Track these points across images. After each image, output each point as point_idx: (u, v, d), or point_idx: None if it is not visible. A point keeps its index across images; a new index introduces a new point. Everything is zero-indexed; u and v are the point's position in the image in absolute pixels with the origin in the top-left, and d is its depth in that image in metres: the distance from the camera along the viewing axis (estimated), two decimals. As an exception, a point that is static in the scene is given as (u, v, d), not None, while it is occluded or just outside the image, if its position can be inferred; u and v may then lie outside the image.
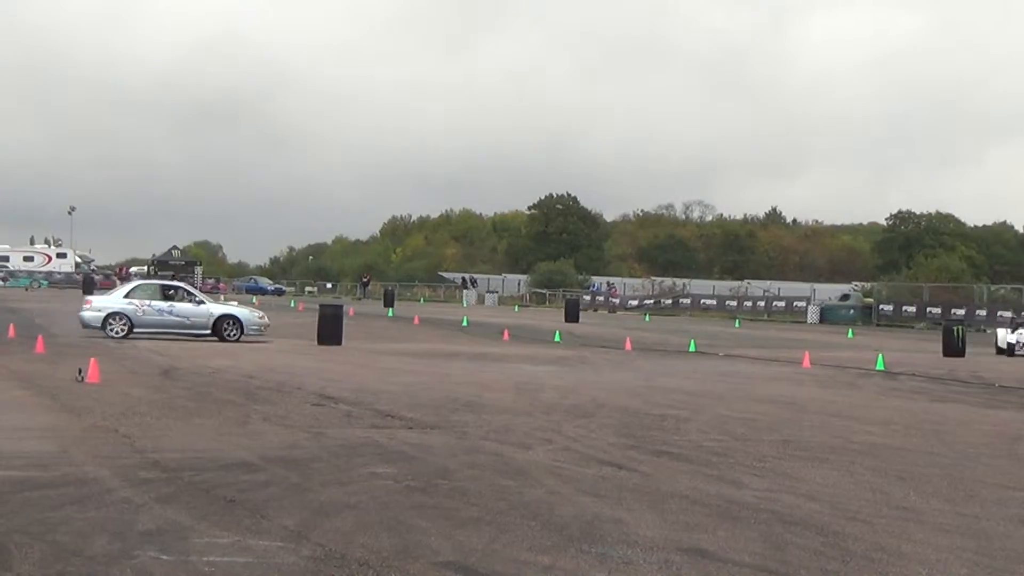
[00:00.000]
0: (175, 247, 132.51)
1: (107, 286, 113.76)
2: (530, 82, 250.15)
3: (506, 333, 49.83)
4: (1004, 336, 47.74)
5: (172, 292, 41.30)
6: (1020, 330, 46.66)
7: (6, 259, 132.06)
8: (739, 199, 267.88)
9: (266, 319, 41.47)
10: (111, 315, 39.50)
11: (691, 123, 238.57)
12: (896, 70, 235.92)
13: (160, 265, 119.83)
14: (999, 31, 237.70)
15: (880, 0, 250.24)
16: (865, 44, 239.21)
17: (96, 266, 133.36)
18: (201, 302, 41.09)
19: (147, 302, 39.89)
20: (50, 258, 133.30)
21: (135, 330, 39.33)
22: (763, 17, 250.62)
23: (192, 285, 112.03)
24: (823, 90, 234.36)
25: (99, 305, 40.60)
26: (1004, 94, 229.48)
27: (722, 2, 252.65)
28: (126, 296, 40.76)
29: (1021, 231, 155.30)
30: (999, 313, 71.25)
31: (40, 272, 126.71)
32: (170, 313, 39.83)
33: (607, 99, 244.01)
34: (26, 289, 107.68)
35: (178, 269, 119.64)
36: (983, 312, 78.75)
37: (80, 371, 23.45)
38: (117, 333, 38.70)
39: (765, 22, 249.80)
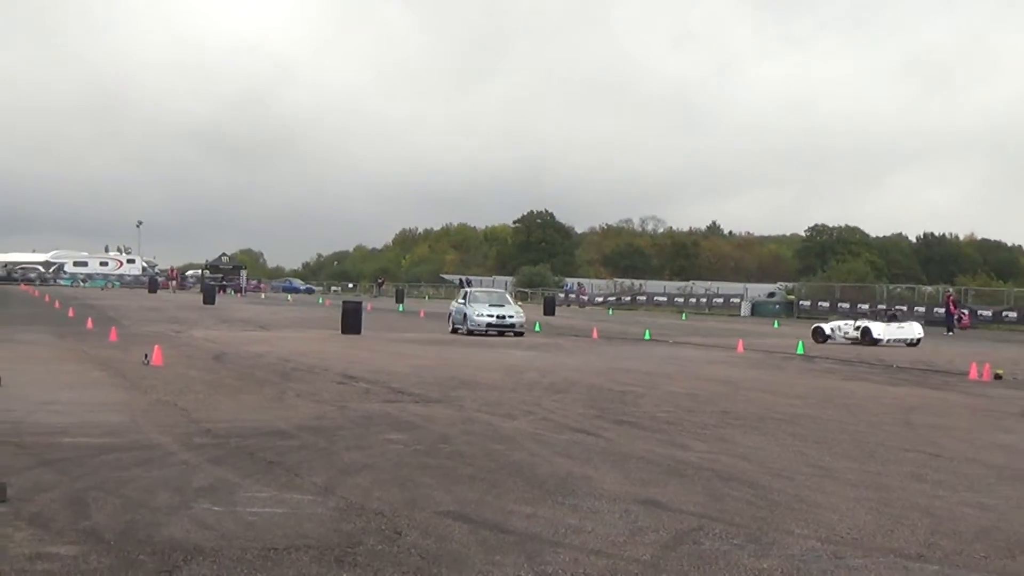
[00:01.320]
0: (224, 254, 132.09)
1: (167, 286, 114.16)
2: (518, 116, 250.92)
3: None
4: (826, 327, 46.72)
5: None
6: (837, 323, 45.96)
7: (85, 264, 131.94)
8: (687, 214, 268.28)
9: None
10: None
11: (648, 151, 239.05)
12: (816, 108, 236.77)
13: (212, 269, 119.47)
14: (901, 79, 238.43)
15: (804, 51, 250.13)
16: (792, 86, 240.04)
17: (159, 270, 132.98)
18: None
19: None
20: (121, 263, 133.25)
21: None
22: (710, 65, 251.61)
23: (238, 286, 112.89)
24: (757, 123, 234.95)
25: None
26: (900, 130, 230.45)
27: (676, 53, 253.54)
28: None
29: (914, 241, 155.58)
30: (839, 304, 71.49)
31: (113, 275, 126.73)
32: None
33: (580, 131, 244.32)
34: (102, 289, 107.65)
35: (226, 272, 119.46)
36: (883, 307, 78.89)
37: (146, 356, 23.42)
38: None
39: (711, 69, 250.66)
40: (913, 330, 43.46)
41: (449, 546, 7.94)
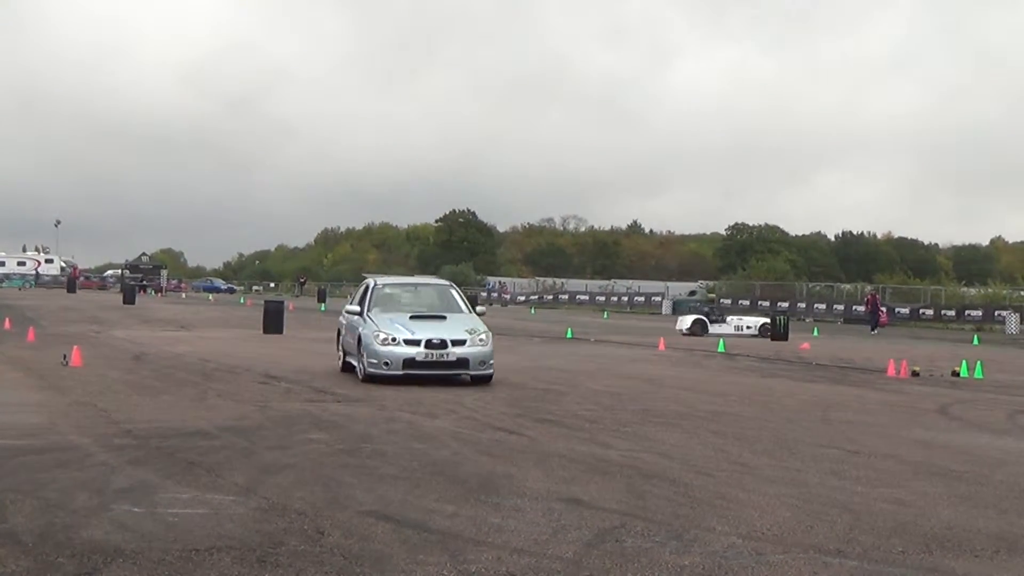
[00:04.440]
0: (144, 253, 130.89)
1: (88, 286, 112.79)
2: (444, 115, 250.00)
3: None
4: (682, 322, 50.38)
5: None
6: (691, 316, 50.43)
7: (2, 264, 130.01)
8: (609, 213, 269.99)
9: None
10: None
11: (574, 150, 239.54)
12: (743, 106, 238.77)
13: (132, 268, 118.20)
14: (830, 76, 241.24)
15: (734, 49, 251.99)
16: (721, 83, 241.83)
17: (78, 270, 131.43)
18: None
19: None
20: (39, 263, 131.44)
21: None
22: (639, 62, 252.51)
23: (159, 286, 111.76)
24: (685, 122, 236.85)
25: None
26: (824, 130, 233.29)
27: (605, 50, 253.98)
28: None
29: (833, 239, 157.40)
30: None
31: (31, 275, 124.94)
32: None
33: (507, 129, 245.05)
34: (19, 289, 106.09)
35: (147, 272, 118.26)
36: (803, 304, 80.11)
37: (64, 356, 23.14)
38: None
39: (640, 66, 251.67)
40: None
41: (372, 546, 7.92)
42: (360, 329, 21.21)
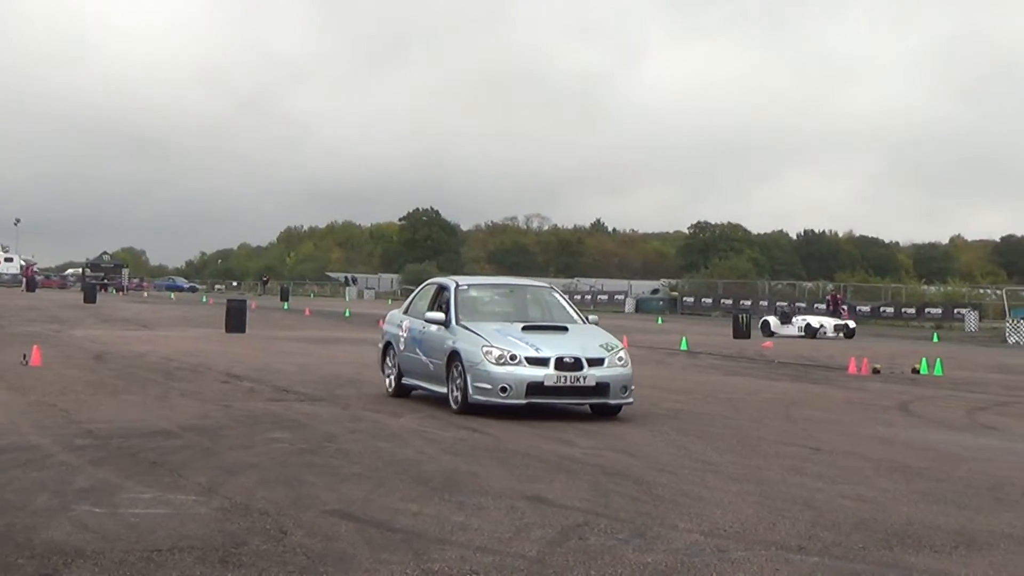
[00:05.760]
0: (105, 252, 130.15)
1: (48, 285, 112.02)
2: (411, 113, 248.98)
3: (381, 322, 49.36)
4: (774, 323, 50.49)
5: None
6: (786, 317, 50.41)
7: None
8: (577, 211, 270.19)
9: None
10: None
11: (541, 148, 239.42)
12: (710, 105, 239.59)
13: (93, 267, 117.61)
14: (797, 76, 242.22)
15: (702, 47, 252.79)
16: (689, 82, 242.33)
17: (38, 268, 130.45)
18: None
19: None
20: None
21: None
22: (608, 62, 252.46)
23: (120, 285, 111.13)
24: (651, 121, 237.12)
25: None
26: (788, 128, 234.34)
27: (571, 47, 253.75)
28: None
29: (794, 237, 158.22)
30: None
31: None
32: None
33: (473, 128, 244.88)
34: None
35: (108, 271, 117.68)
36: (765, 303, 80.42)
37: (24, 356, 22.96)
38: None
39: (609, 66, 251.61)
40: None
41: (335, 545, 7.90)
42: (453, 343, 16.39)
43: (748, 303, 79.35)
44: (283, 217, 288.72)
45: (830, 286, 79.75)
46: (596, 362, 15.77)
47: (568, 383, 15.59)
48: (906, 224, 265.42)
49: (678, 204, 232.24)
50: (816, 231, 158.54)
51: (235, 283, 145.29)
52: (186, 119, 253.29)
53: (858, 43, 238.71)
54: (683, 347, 35.86)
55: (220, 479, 10.29)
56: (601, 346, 16.21)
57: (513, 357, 15.61)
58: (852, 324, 50.97)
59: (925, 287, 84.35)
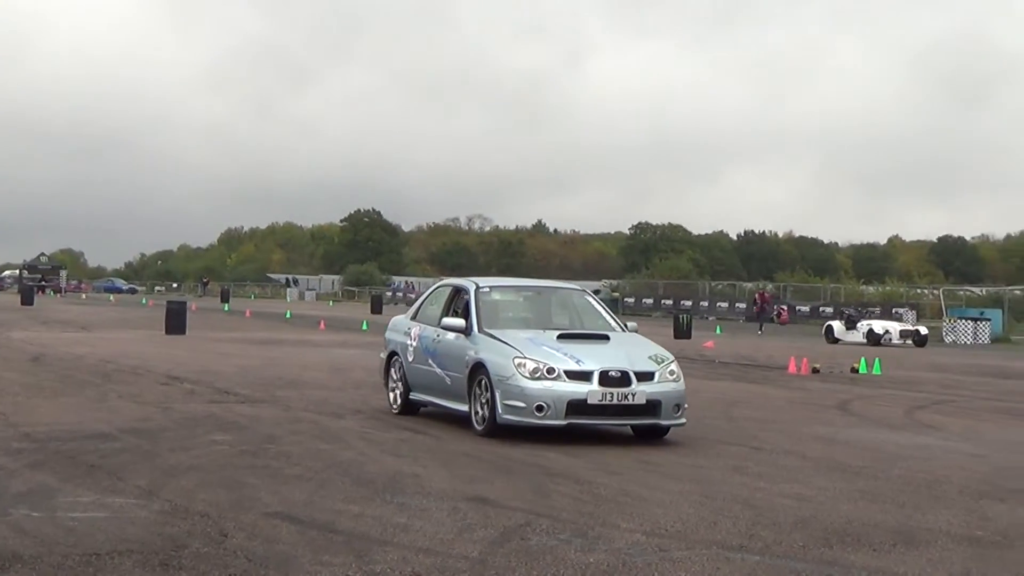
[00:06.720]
0: (43, 254, 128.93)
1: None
2: (352, 113, 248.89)
3: (322, 323, 49.40)
4: (838, 328, 48.04)
5: None
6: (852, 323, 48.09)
7: None
8: (519, 212, 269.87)
9: None
10: None
11: (484, 148, 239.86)
12: (656, 106, 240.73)
13: (30, 269, 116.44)
14: (740, 77, 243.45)
15: (649, 48, 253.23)
16: (636, 83, 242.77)
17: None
18: None
19: None
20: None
21: None
22: (553, 62, 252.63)
23: (58, 286, 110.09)
24: (597, 121, 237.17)
25: None
26: (730, 130, 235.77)
27: (514, 47, 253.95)
28: None
29: (735, 238, 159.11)
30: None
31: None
32: None
33: (416, 128, 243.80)
34: None
35: (45, 272, 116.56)
36: (705, 303, 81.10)
37: (-39, 359, 22.72)
38: None
39: (555, 66, 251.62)
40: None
41: (276, 547, 7.87)
42: (476, 353, 14.21)
43: (689, 303, 79.88)
44: (223, 218, 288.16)
45: (762, 285, 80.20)
46: (646, 376, 13.65)
47: (615, 401, 13.44)
48: (845, 225, 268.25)
49: (620, 205, 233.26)
50: (756, 232, 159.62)
51: (175, 285, 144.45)
52: (122, 118, 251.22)
53: (800, 45, 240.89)
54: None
55: (160, 482, 10.21)
56: (650, 358, 14.10)
57: (551, 371, 13.42)
58: (924, 331, 46.90)
59: (864, 287, 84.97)
